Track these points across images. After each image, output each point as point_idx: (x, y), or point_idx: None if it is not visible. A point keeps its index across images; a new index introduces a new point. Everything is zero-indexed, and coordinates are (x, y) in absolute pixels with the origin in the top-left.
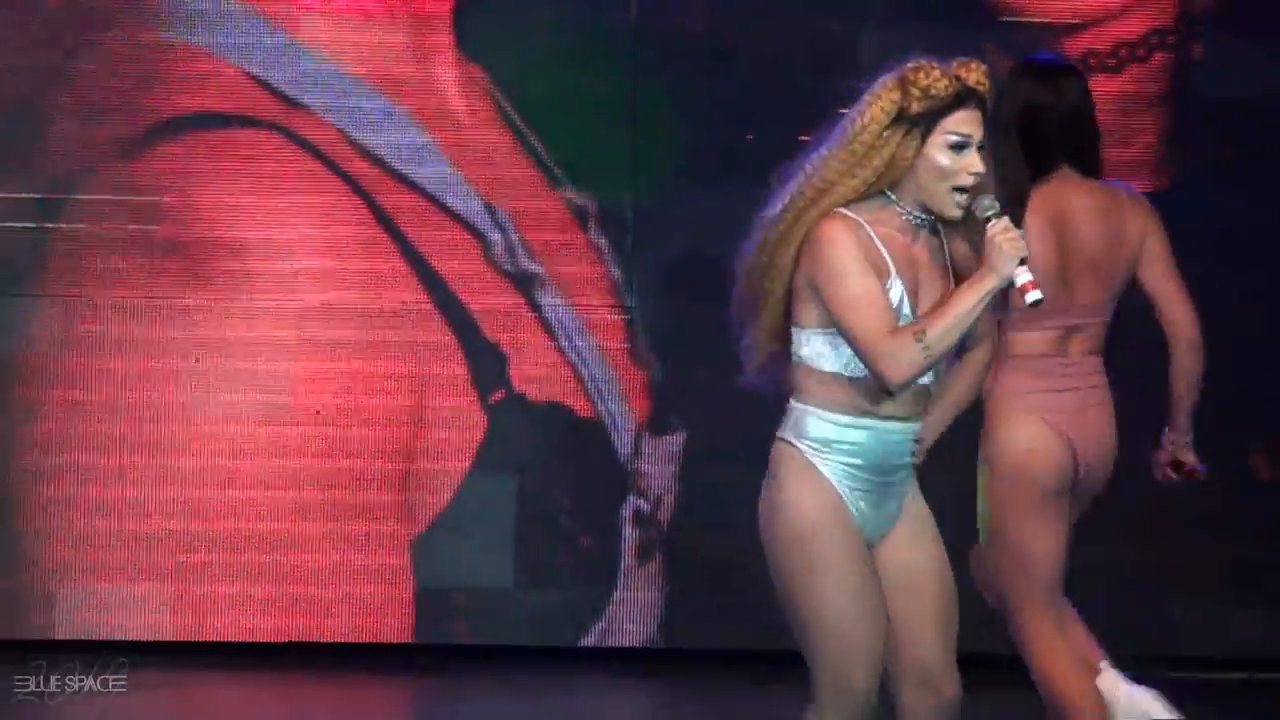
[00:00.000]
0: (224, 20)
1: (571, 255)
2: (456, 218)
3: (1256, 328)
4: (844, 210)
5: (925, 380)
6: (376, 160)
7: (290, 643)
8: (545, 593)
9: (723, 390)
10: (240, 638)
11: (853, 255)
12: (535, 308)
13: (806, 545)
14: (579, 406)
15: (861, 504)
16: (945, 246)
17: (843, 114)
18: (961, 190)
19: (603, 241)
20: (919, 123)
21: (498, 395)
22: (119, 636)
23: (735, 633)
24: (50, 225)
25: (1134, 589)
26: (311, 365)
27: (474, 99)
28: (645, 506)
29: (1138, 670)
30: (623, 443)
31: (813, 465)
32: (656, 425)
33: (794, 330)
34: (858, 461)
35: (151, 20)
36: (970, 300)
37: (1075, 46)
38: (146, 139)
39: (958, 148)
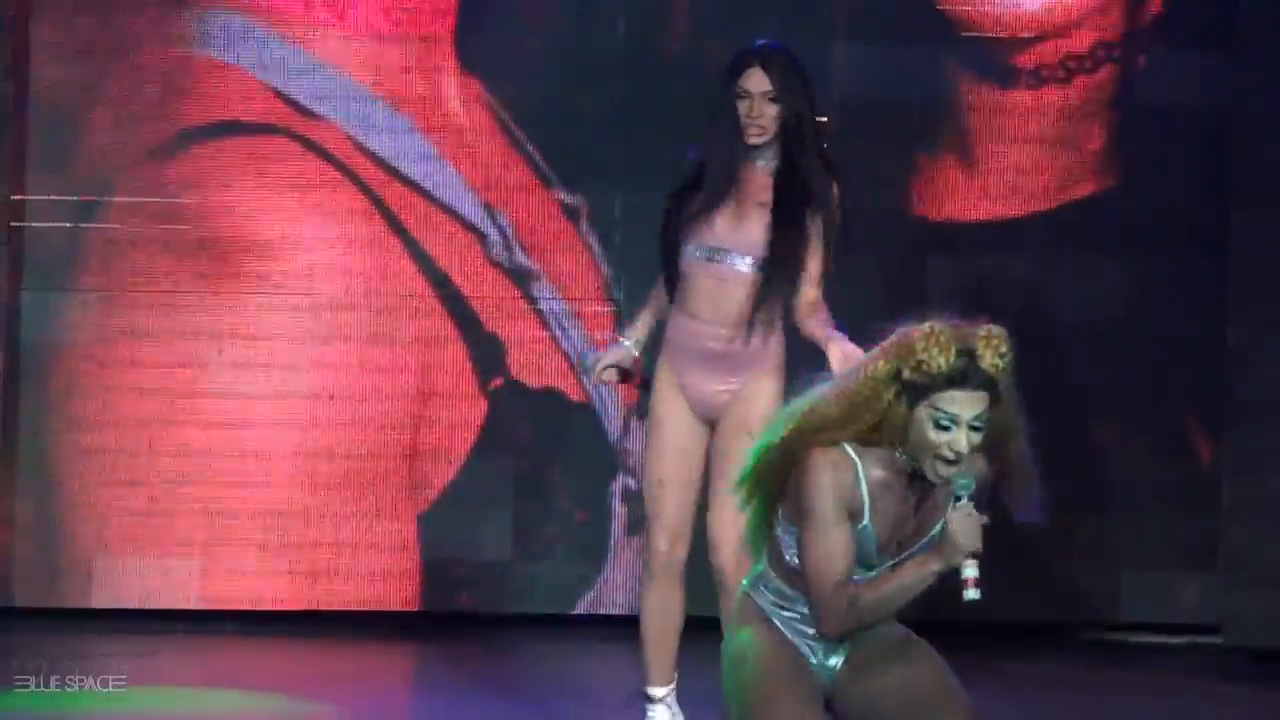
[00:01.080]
0: (246, 38)
1: (564, 252)
2: (458, 218)
3: (1193, 317)
4: (847, 447)
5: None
6: (385, 165)
7: (305, 610)
8: (542, 564)
9: None
10: (259, 606)
11: (827, 497)
12: (531, 300)
13: (738, 677)
14: (572, 392)
15: (812, 660)
16: (934, 496)
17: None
18: (944, 461)
19: (593, 239)
20: (909, 391)
21: (497, 382)
22: (148, 605)
23: (713, 599)
24: (87, 225)
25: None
26: (325, 354)
27: (474, 109)
28: (633, 484)
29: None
30: (612, 425)
31: (764, 615)
32: (643, 409)
33: (777, 530)
34: (808, 630)
35: (180, 38)
36: (911, 578)
37: (1028, 59)
38: (175, 146)
39: (941, 425)
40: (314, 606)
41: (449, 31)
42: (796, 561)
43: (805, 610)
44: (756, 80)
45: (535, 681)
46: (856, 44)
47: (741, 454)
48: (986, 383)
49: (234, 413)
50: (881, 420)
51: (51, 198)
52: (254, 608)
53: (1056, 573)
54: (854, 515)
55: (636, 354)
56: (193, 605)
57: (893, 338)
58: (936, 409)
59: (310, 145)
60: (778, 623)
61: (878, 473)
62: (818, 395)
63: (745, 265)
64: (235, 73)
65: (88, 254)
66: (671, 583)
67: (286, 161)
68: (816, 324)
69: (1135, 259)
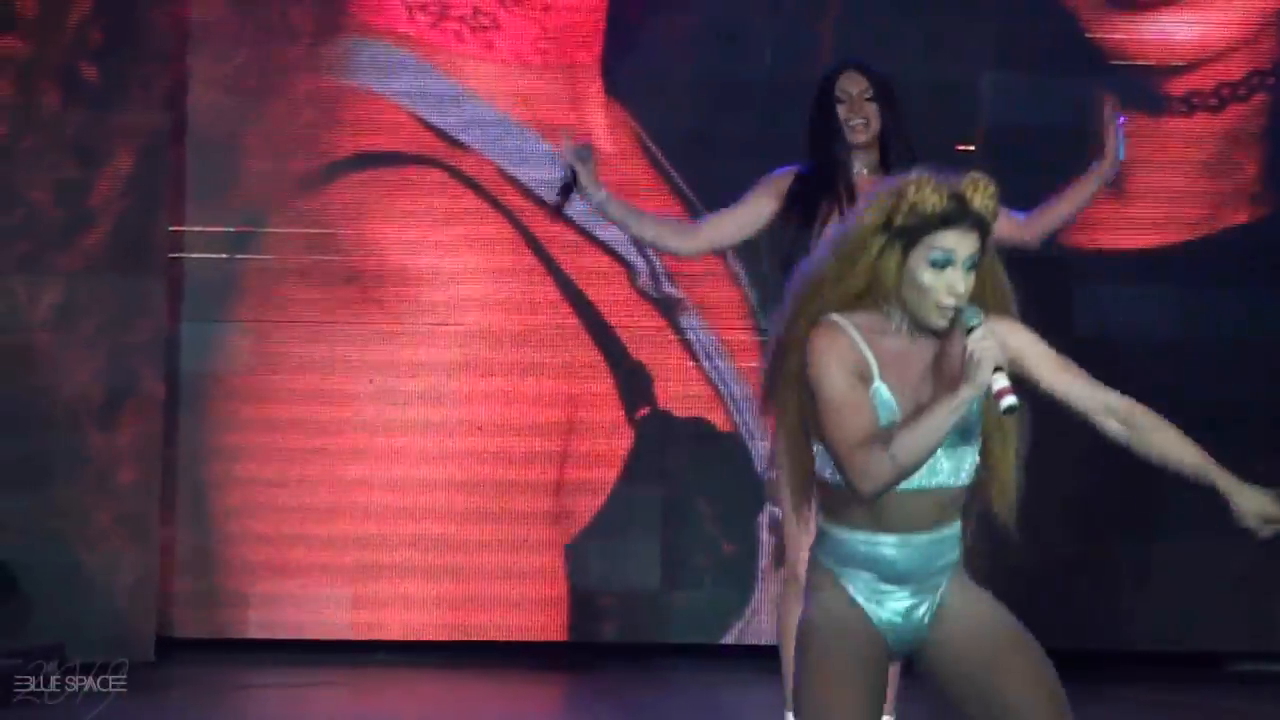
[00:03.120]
0: (395, 68)
1: (711, 281)
2: (605, 247)
3: None
4: (834, 316)
5: (956, 483)
6: (532, 195)
7: (455, 641)
8: (689, 594)
9: None
10: (409, 637)
11: (831, 365)
12: (677, 330)
13: (802, 662)
14: (718, 421)
15: (883, 613)
16: (944, 349)
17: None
18: (944, 308)
19: (739, 268)
20: (902, 236)
21: (643, 411)
22: (302, 635)
23: None
24: (242, 256)
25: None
26: (473, 385)
27: (620, 137)
28: (781, 513)
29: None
30: (759, 454)
31: (835, 582)
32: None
33: (813, 443)
34: (883, 577)
35: (332, 68)
36: (942, 413)
37: (1179, 87)
38: (326, 176)
39: (938, 265)
40: (463, 637)
41: (595, 60)
42: (831, 474)
43: (872, 573)
44: (854, 81)
45: (683, 712)
46: (1004, 73)
47: None
48: (979, 222)
49: (384, 443)
50: (873, 277)
51: (209, 229)
52: (405, 638)
53: (1211, 599)
54: (864, 379)
55: (599, 197)
56: (345, 636)
57: (877, 191)
58: (932, 248)
59: (458, 175)
60: (846, 584)
61: (875, 333)
62: (810, 265)
63: None
64: (385, 103)
65: (243, 285)
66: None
67: (435, 192)
68: None
69: None
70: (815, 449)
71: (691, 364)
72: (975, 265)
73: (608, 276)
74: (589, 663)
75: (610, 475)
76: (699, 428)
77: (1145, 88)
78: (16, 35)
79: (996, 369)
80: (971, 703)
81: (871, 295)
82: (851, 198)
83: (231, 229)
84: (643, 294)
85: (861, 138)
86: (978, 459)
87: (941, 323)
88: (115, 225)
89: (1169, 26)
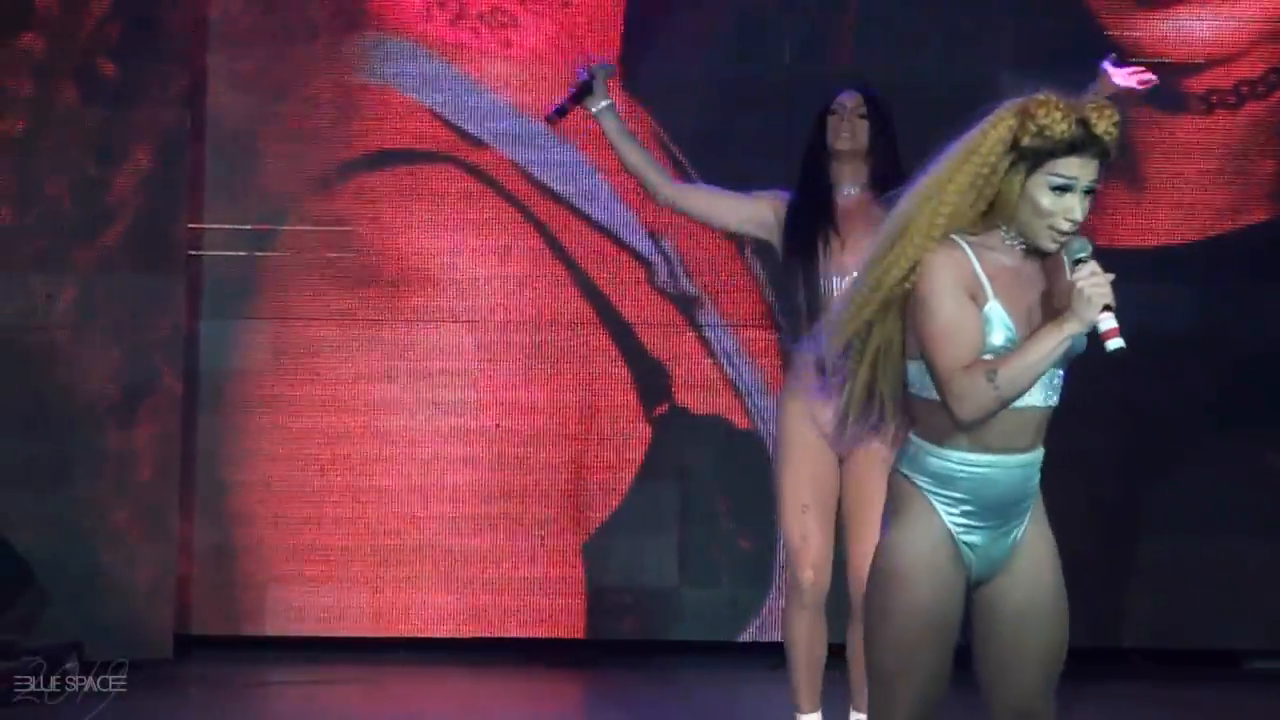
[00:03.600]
0: (415, 65)
1: (729, 280)
2: (624, 246)
3: None
4: (953, 235)
5: (1049, 404)
6: (550, 192)
7: (474, 638)
8: (706, 592)
9: None
10: (429, 633)
11: (946, 285)
12: (696, 328)
13: (886, 591)
14: (736, 419)
15: (974, 539)
16: (1051, 273)
17: (960, 135)
18: (1058, 231)
19: (757, 265)
20: (1027, 157)
21: (661, 408)
22: (322, 632)
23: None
24: (261, 253)
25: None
26: (491, 380)
27: (638, 136)
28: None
29: None
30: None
31: (927, 503)
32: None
33: (907, 362)
34: (975, 499)
35: (350, 65)
36: (1048, 345)
37: (1199, 84)
38: (344, 173)
39: (1059, 190)
40: (481, 634)
41: (614, 58)
42: (932, 394)
43: (966, 494)
44: (851, 97)
45: (700, 710)
46: (1022, 71)
47: (878, 486)
48: (1101, 151)
49: (403, 440)
50: (997, 195)
51: (227, 227)
52: (424, 634)
53: (1228, 597)
54: (977, 300)
55: (604, 103)
56: (365, 633)
57: (1003, 107)
58: (1055, 174)
59: (476, 172)
60: (939, 508)
61: (989, 251)
62: (924, 183)
63: None
64: (403, 100)
65: (261, 282)
66: (819, 610)
67: (453, 189)
68: None
69: None
70: (912, 364)
71: (710, 361)
72: (1092, 191)
73: (626, 273)
74: (606, 660)
75: (628, 472)
76: (717, 424)
77: (1164, 85)
78: (36, 33)
79: (1105, 308)
80: (989, 642)
81: (991, 213)
82: (834, 223)
83: (250, 226)
84: (661, 291)
85: (843, 146)
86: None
87: (1052, 246)
88: (134, 223)
89: (1187, 24)
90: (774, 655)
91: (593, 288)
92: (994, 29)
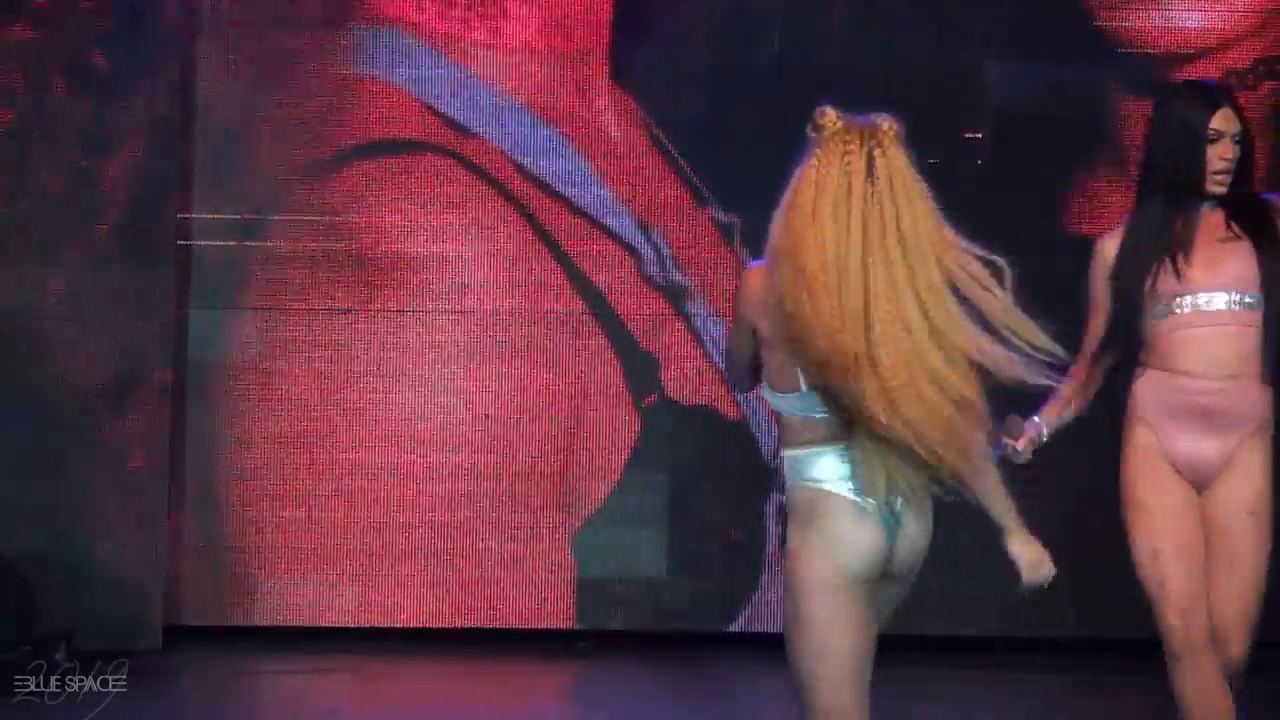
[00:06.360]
0: (404, 55)
1: (718, 269)
2: (612, 234)
3: None
4: None
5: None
6: (538, 182)
7: (463, 628)
8: (696, 582)
9: None
10: (418, 624)
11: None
12: (685, 318)
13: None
14: (725, 409)
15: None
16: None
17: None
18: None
19: (747, 255)
20: None
21: (650, 398)
22: (311, 622)
23: None
24: (250, 243)
25: None
26: (481, 370)
27: (627, 125)
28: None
29: None
30: (766, 442)
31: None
32: None
33: None
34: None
35: (339, 56)
36: (999, 492)
37: (1187, 75)
38: (334, 163)
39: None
40: (471, 624)
41: (603, 48)
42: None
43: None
44: (1229, 121)
45: (689, 699)
46: (1011, 60)
47: (1245, 534)
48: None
49: (392, 430)
50: None
51: (216, 216)
52: (414, 625)
53: None
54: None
55: (1044, 439)
56: (353, 623)
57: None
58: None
59: (465, 162)
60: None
61: None
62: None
63: (1238, 305)
64: (393, 90)
65: (251, 271)
66: (1202, 655)
67: (442, 178)
68: None
69: None
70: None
71: (699, 351)
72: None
73: (615, 263)
74: (596, 649)
75: (617, 463)
76: (706, 415)
77: (1153, 76)
78: (26, 23)
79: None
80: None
81: None
82: (1196, 230)
83: (240, 216)
84: (650, 281)
85: (1219, 190)
86: None
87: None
88: (124, 213)
89: (1177, 14)
90: (763, 645)
91: (583, 278)
92: (984, 18)
